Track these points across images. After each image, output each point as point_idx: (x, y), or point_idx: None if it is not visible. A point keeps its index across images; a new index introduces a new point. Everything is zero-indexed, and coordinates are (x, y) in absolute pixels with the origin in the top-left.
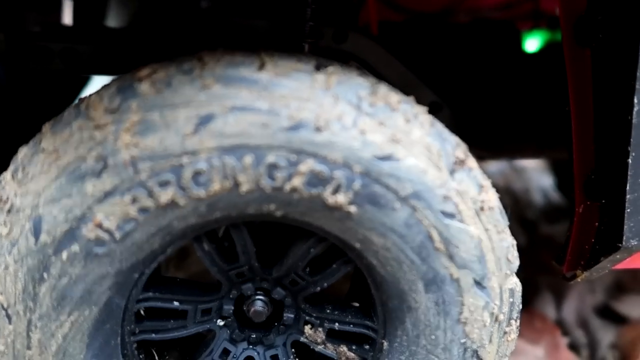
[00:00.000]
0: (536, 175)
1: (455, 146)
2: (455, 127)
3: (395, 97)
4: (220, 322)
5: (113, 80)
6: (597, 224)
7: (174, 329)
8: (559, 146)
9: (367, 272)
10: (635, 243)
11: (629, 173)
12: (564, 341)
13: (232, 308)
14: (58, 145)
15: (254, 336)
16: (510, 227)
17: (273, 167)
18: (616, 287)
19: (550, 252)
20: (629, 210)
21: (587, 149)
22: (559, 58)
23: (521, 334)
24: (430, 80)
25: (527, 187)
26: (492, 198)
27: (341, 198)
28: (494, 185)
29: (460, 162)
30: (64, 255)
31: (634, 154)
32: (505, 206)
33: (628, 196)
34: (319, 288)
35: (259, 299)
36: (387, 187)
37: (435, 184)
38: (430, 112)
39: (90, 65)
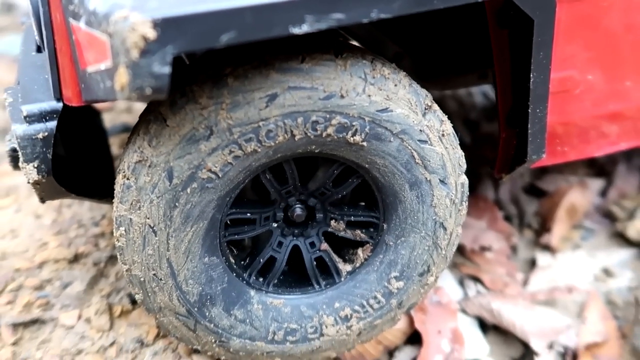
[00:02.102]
0: None
1: (425, 97)
2: (414, 70)
3: (387, 70)
4: (275, 225)
5: (207, 77)
6: (514, 143)
7: (247, 231)
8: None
9: (372, 181)
10: (535, 157)
11: (529, 115)
12: (500, 214)
13: (282, 214)
14: (178, 121)
15: (297, 231)
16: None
17: (315, 122)
18: (539, 169)
19: (490, 147)
20: (530, 138)
21: (507, 95)
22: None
23: (469, 213)
24: (393, 35)
25: (470, 91)
26: (448, 127)
27: (357, 138)
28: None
29: (428, 107)
30: (188, 190)
31: (532, 106)
32: (456, 130)
33: (529, 130)
34: (339, 195)
35: (298, 207)
36: (385, 128)
37: (414, 123)
38: (394, 60)
39: None
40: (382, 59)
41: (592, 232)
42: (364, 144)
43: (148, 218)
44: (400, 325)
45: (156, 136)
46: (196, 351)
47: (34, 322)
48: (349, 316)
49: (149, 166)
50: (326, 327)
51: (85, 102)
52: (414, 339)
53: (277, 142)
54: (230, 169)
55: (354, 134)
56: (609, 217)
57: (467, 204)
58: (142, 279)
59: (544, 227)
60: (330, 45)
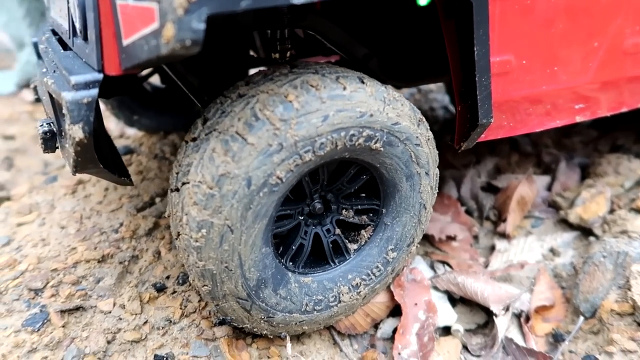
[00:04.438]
0: (439, 95)
1: (418, 112)
2: (382, 69)
3: (396, 94)
4: (301, 217)
5: (277, 102)
6: (468, 115)
7: (287, 224)
8: (449, 73)
9: (378, 177)
10: (485, 121)
11: (476, 84)
12: (462, 209)
13: (308, 209)
14: (257, 140)
15: (316, 221)
16: None
17: (352, 135)
18: (494, 170)
19: (452, 153)
20: (479, 104)
21: (458, 73)
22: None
23: (435, 209)
24: (361, 39)
25: (432, 105)
26: (431, 134)
27: (378, 145)
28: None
29: (421, 120)
30: (260, 194)
31: (478, 75)
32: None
33: (478, 97)
34: (351, 190)
35: (317, 201)
36: (396, 137)
37: (413, 131)
38: (364, 60)
39: None
40: (391, 86)
41: (540, 220)
42: (381, 149)
43: (227, 220)
44: (384, 299)
45: (238, 153)
46: (218, 324)
47: (77, 309)
48: (358, 284)
49: (232, 177)
50: (343, 295)
51: (124, 70)
52: (395, 312)
53: (325, 151)
54: (291, 174)
55: (375, 142)
56: (554, 206)
57: (437, 190)
58: (214, 272)
59: (500, 218)
60: (359, 78)
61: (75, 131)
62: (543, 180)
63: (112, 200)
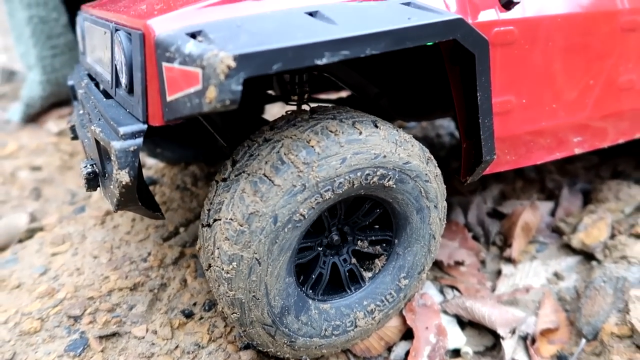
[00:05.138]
0: (445, 122)
1: (427, 151)
2: (392, 107)
3: (407, 136)
4: (320, 249)
5: (301, 147)
6: (472, 152)
7: (307, 255)
8: (454, 109)
9: (391, 211)
10: (488, 158)
11: (480, 125)
12: (469, 235)
13: (326, 240)
14: (282, 182)
15: (334, 251)
16: None
17: (367, 175)
18: (500, 196)
19: (459, 180)
20: (483, 142)
21: (463, 114)
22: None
23: (444, 235)
24: (373, 79)
25: (439, 132)
26: (439, 170)
27: (390, 182)
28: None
29: (429, 158)
30: (285, 230)
31: (481, 117)
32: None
33: (482, 136)
34: (366, 222)
35: (334, 234)
36: (407, 174)
37: (422, 169)
38: (375, 99)
39: None
40: (402, 130)
41: (545, 245)
42: (394, 186)
43: (256, 253)
44: (397, 323)
45: (266, 193)
46: (243, 348)
47: (113, 335)
48: (373, 310)
49: (260, 215)
50: (359, 320)
51: (166, 121)
52: (408, 335)
53: (343, 190)
54: (313, 211)
55: (388, 180)
56: (558, 232)
57: (445, 220)
58: (243, 301)
59: (506, 243)
60: (373, 122)
61: (123, 176)
62: (547, 206)
63: (139, 230)
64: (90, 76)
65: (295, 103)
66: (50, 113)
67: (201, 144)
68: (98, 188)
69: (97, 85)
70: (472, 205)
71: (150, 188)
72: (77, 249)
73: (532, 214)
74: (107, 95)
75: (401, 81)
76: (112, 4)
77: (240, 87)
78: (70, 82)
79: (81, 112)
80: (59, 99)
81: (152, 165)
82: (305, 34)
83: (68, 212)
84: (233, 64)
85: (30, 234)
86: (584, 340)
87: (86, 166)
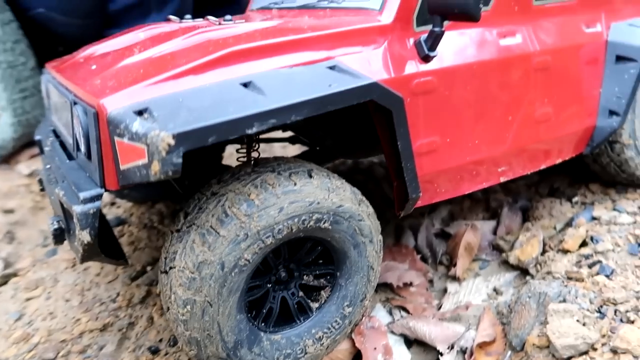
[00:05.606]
0: None
1: (359, 193)
2: (335, 147)
3: (339, 182)
4: (269, 285)
5: (242, 200)
6: (402, 190)
7: (257, 293)
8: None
9: (330, 248)
10: (414, 196)
11: (403, 168)
12: (418, 257)
13: (274, 277)
14: (227, 232)
15: (282, 286)
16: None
17: (304, 220)
18: (449, 217)
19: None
20: (407, 183)
21: (391, 157)
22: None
23: (393, 258)
24: (317, 126)
25: (386, 173)
26: (371, 209)
27: (326, 225)
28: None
29: (361, 200)
30: (232, 274)
31: (403, 162)
32: (378, 202)
33: (406, 178)
34: (310, 259)
35: (282, 271)
36: (340, 216)
37: (355, 210)
38: (320, 139)
39: None
40: (335, 175)
41: (487, 263)
42: (329, 227)
43: (207, 297)
44: (346, 346)
45: (213, 243)
46: None
47: None
48: (321, 337)
49: (209, 263)
50: (308, 347)
51: (121, 187)
52: (357, 357)
53: (283, 235)
54: (256, 256)
55: (324, 223)
56: (498, 249)
57: (382, 253)
58: (198, 339)
59: (452, 262)
60: (308, 172)
61: (84, 235)
62: (489, 224)
63: (108, 271)
64: (55, 132)
65: (243, 153)
66: (22, 153)
67: (166, 183)
68: (65, 241)
69: (61, 143)
70: (422, 227)
71: (119, 228)
72: (49, 292)
73: (473, 234)
74: (70, 156)
75: (341, 126)
76: (72, 69)
77: (180, 160)
78: (37, 137)
79: (48, 166)
80: (30, 140)
81: (121, 204)
82: (237, 108)
83: (41, 255)
84: (172, 142)
85: (4, 279)
86: (509, 352)
87: (53, 223)
